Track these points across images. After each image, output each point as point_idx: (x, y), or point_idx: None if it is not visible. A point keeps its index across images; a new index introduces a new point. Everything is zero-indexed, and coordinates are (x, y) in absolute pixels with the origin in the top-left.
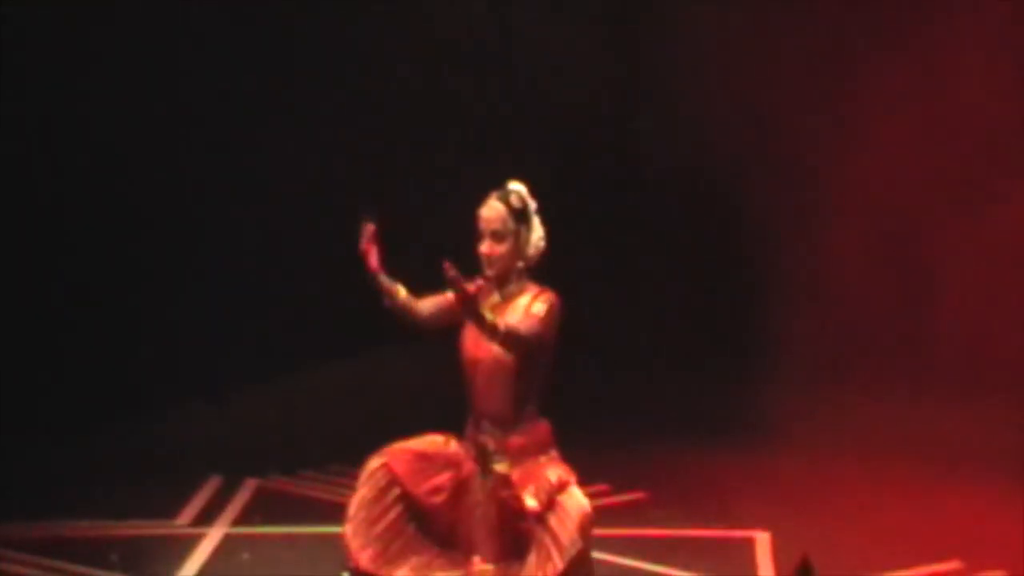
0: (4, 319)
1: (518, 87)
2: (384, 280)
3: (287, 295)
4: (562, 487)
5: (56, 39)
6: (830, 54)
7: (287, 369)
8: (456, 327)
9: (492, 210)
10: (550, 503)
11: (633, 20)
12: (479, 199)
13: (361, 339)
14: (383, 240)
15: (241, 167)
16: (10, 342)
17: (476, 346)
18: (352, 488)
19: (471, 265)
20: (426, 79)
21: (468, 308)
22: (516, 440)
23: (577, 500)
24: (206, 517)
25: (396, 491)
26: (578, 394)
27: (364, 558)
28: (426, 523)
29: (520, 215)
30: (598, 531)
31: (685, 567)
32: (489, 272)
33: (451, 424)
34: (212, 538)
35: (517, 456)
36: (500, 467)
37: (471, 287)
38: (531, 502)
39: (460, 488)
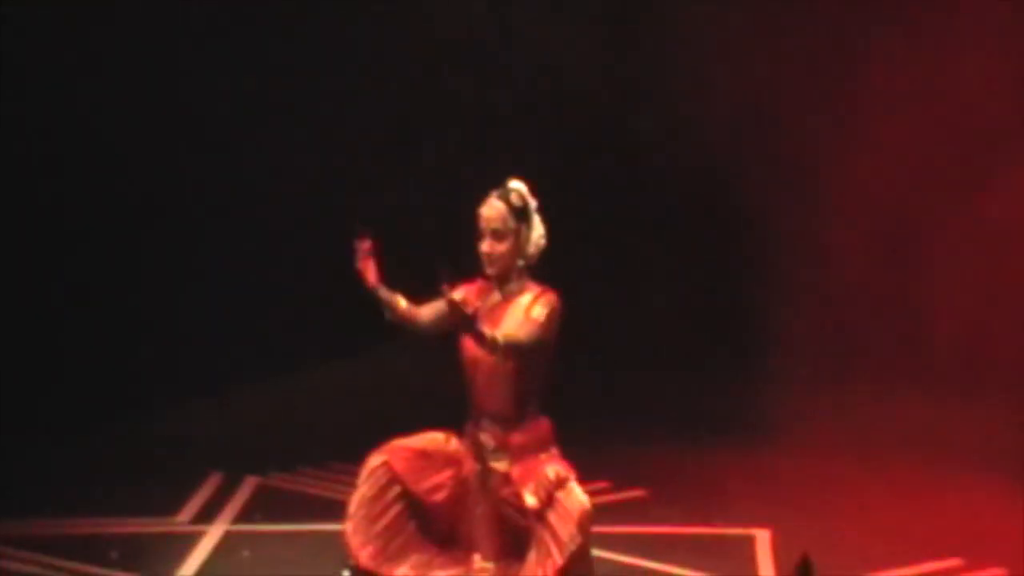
0: (4, 319)
1: (518, 87)
2: (384, 293)
3: (287, 294)
4: (561, 484)
5: (56, 39)
6: (831, 53)
7: (287, 368)
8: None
9: (492, 209)
10: (549, 500)
11: (633, 19)
12: (479, 198)
13: (361, 338)
14: (382, 244)
15: (241, 167)
16: (10, 341)
17: (477, 346)
18: (352, 486)
19: (472, 264)
20: (426, 79)
21: (466, 326)
22: (516, 438)
23: (577, 497)
24: (206, 515)
25: (396, 489)
26: (579, 392)
27: (364, 555)
28: (426, 521)
29: (520, 213)
30: (598, 528)
31: (685, 564)
32: (490, 271)
33: (451, 422)
34: (212, 536)
35: (517, 454)
36: (500, 465)
37: (466, 292)
38: (530, 499)
39: (460, 486)
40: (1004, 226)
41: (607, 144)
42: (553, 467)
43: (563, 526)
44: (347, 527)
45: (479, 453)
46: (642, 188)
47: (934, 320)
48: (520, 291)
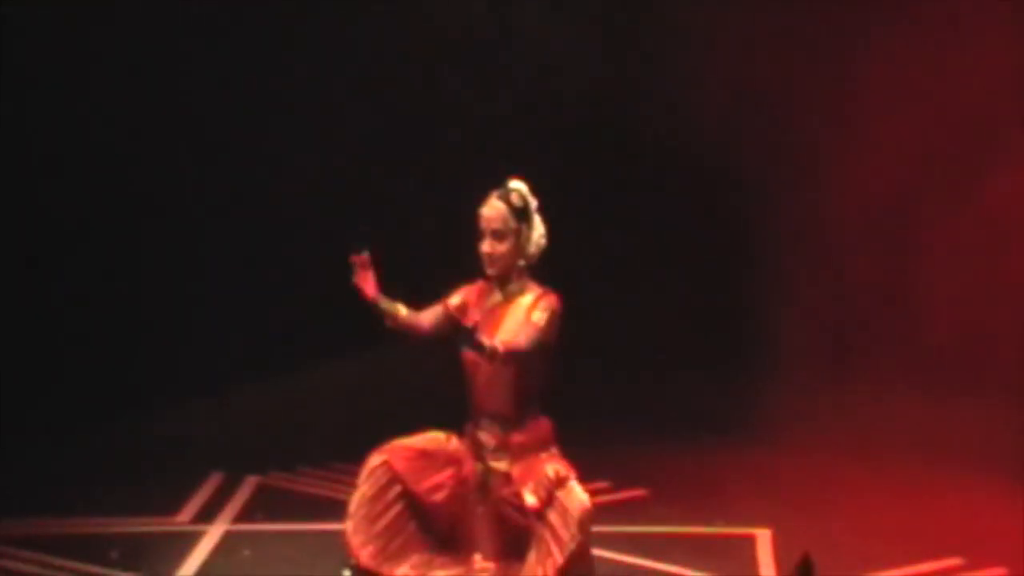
0: (5, 318)
1: (518, 87)
2: (383, 303)
3: (287, 294)
4: (562, 483)
5: (56, 39)
6: (831, 53)
7: (287, 367)
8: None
9: (493, 209)
10: (550, 499)
11: (634, 19)
12: (480, 198)
13: (361, 338)
14: (382, 243)
15: (241, 167)
16: (11, 341)
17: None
18: (353, 485)
19: (472, 264)
20: (426, 79)
21: (466, 338)
22: (517, 437)
23: (577, 496)
24: (207, 514)
25: (397, 488)
26: (579, 392)
27: (365, 555)
28: (427, 520)
29: (521, 213)
30: (599, 528)
31: (686, 564)
32: (490, 271)
33: (451, 422)
34: (213, 535)
35: (518, 453)
36: (500, 464)
37: (466, 294)
38: (530, 499)
39: (461, 485)
40: (1005, 225)
41: (607, 144)
42: (553, 466)
43: (563, 525)
44: (347, 527)
45: (479, 453)
46: (642, 188)
47: (934, 320)
48: (521, 291)
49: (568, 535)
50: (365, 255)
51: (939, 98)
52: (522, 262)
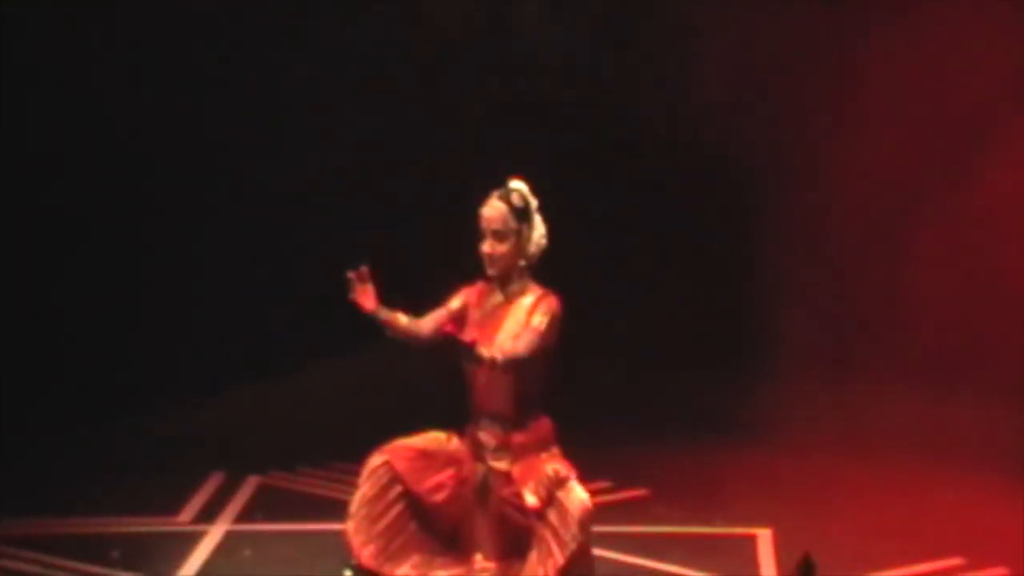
0: (5, 317)
1: (518, 87)
2: (383, 314)
3: (287, 294)
4: (562, 483)
5: (56, 39)
6: (831, 53)
7: (288, 367)
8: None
9: (493, 209)
10: (550, 499)
11: (634, 19)
12: (480, 198)
13: (362, 337)
14: (381, 247)
15: (242, 166)
16: (11, 340)
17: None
18: (354, 485)
19: (473, 265)
20: (426, 79)
21: (466, 356)
22: (517, 437)
23: (577, 496)
24: (208, 514)
25: (398, 488)
26: (580, 392)
27: (366, 555)
28: (428, 520)
29: (521, 214)
30: (600, 528)
31: (686, 564)
32: (491, 271)
33: (452, 422)
34: (214, 535)
35: (518, 453)
36: (501, 464)
37: (466, 296)
38: (531, 499)
39: (461, 485)
40: (1005, 226)
41: (607, 144)
42: (554, 466)
43: (564, 525)
44: (348, 527)
45: (480, 453)
46: (642, 188)
47: (934, 320)
48: (522, 292)
49: (569, 535)
50: (364, 269)
51: (940, 99)
52: (523, 262)
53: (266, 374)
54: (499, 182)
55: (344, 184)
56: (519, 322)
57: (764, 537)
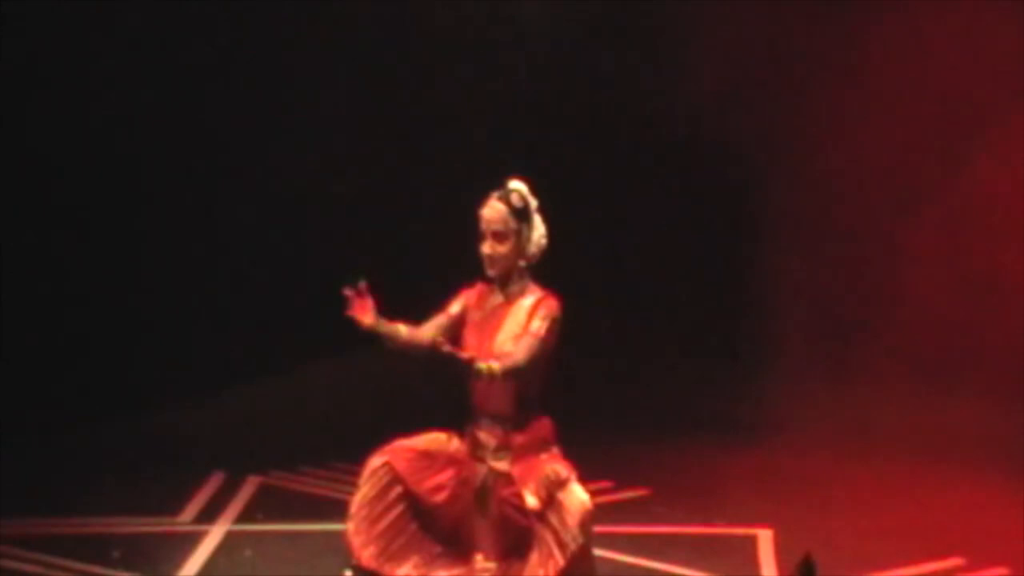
0: (5, 316)
1: (518, 86)
2: (383, 327)
3: (286, 294)
4: (562, 484)
5: (56, 39)
6: (831, 53)
7: (289, 367)
8: (460, 340)
9: (493, 210)
10: (551, 500)
11: (634, 18)
12: (480, 199)
13: (362, 337)
14: (380, 247)
15: (242, 166)
16: (11, 340)
17: (477, 347)
18: (354, 486)
19: (473, 266)
20: (426, 79)
21: (465, 372)
22: (518, 437)
23: (577, 496)
24: (208, 514)
25: (398, 489)
26: (580, 392)
27: (366, 555)
28: (428, 521)
29: (521, 214)
30: (600, 528)
31: (687, 564)
32: (491, 272)
33: (452, 422)
34: (214, 535)
35: (519, 453)
36: (501, 465)
37: (466, 297)
38: (531, 500)
39: (462, 486)
40: (1006, 225)
41: (607, 144)
42: (554, 466)
43: (564, 526)
44: (349, 527)
45: (480, 453)
46: (642, 188)
47: (934, 320)
48: (522, 292)
49: (569, 536)
50: (362, 285)
51: (940, 98)
52: (523, 263)
53: (266, 374)
54: (499, 182)
55: (344, 184)
56: (519, 323)
57: (764, 537)
